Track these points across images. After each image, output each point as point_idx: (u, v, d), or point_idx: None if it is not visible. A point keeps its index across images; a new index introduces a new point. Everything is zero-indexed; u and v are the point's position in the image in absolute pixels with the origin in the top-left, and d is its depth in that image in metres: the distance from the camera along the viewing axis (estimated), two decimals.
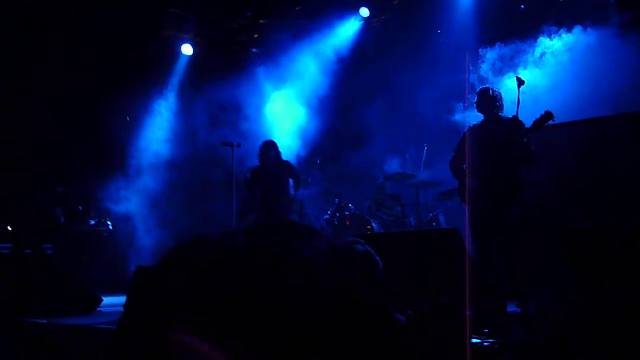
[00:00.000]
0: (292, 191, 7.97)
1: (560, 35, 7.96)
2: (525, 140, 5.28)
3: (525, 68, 7.87)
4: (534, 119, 5.15)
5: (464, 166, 5.79)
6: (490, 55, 8.16)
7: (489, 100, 5.70)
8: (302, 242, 0.79)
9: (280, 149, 8.44)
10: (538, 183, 6.56)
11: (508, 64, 8.12)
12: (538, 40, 8.03)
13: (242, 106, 10.73)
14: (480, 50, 8.22)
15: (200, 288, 0.75)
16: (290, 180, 7.99)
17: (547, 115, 5.09)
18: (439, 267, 4.29)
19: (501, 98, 5.75)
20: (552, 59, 7.97)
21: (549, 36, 8.00)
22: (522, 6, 9.12)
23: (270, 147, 7.93)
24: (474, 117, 6.62)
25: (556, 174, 6.97)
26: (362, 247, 3.15)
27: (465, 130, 6.00)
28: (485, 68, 8.13)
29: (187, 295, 0.76)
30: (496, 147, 5.43)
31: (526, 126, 5.32)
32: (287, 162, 8.11)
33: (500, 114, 5.72)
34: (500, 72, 8.08)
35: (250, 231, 0.82)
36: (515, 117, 5.47)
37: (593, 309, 3.47)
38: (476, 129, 5.83)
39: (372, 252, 3.16)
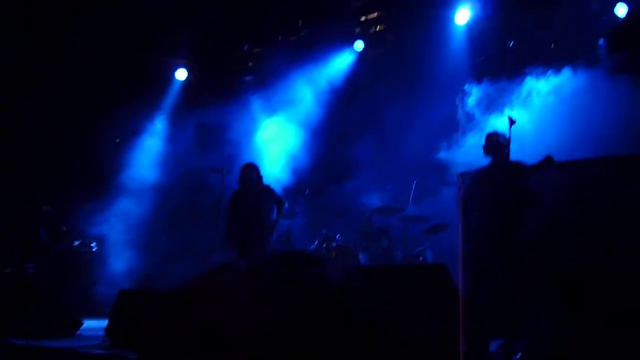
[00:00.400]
0: (273, 216, 7.67)
1: (547, 77, 8.07)
2: (528, 184, 5.42)
3: (511, 108, 7.97)
4: (533, 164, 5.19)
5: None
6: (477, 91, 8.27)
7: (498, 146, 5.79)
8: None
9: (270, 177, 8.37)
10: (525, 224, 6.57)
11: (495, 102, 8.24)
12: (525, 80, 8.14)
13: (233, 133, 10.74)
14: (466, 86, 8.33)
15: None
16: (274, 205, 7.68)
17: (548, 160, 5.14)
18: (425, 302, 4.27)
19: (507, 141, 5.77)
20: (537, 100, 8.06)
21: (536, 77, 8.11)
22: (511, 43, 9.26)
23: (251, 169, 7.60)
24: (461, 154, 6.77)
25: (543, 214, 7.00)
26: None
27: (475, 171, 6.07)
28: (471, 104, 8.23)
29: None
30: (500, 191, 5.58)
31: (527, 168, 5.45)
32: (268, 187, 7.74)
33: (507, 157, 5.77)
34: (487, 109, 8.19)
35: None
36: (519, 162, 5.62)
37: (584, 350, 3.47)
38: (481, 173, 5.93)
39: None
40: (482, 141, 5.87)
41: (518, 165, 5.63)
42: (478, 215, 5.64)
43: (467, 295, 3.91)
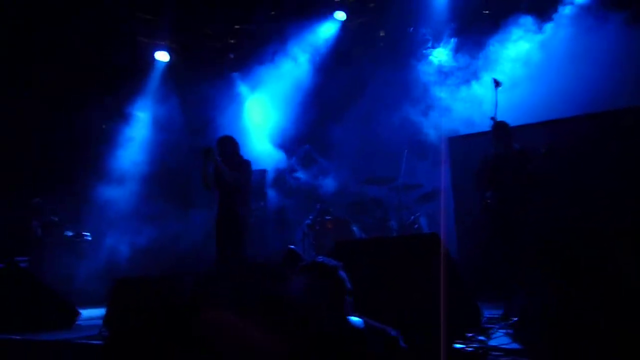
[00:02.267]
0: (247, 189, 7.23)
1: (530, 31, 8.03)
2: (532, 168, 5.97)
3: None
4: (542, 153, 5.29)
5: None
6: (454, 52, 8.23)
7: (507, 135, 6.25)
8: None
9: (259, 153, 8.22)
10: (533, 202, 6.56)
11: (476, 63, 8.21)
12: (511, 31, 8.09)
13: (219, 111, 10.66)
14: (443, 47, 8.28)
15: None
16: (247, 177, 7.24)
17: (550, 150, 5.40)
18: (421, 271, 4.26)
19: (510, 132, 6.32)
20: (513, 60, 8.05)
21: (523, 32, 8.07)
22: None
23: (225, 142, 7.24)
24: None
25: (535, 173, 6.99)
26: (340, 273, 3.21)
27: (483, 156, 6.55)
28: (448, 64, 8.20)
29: None
30: (511, 174, 6.15)
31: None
32: (246, 161, 7.31)
33: (513, 144, 6.33)
34: (468, 70, 8.18)
35: None
36: (523, 149, 6.19)
37: (574, 310, 3.47)
38: (493, 157, 6.37)
39: (339, 266, 3.23)
40: (465, 104, 6.09)
41: (524, 152, 6.17)
42: (492, 195, 6.13)
43: (461, 263, 3.93)
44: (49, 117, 10.23)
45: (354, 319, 3.02)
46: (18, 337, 5.68)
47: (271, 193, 10.29)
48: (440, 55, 8.83)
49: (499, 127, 6.29)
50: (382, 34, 10.18)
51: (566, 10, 8.21)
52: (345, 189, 9.82)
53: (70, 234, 9.57)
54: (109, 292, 6.06)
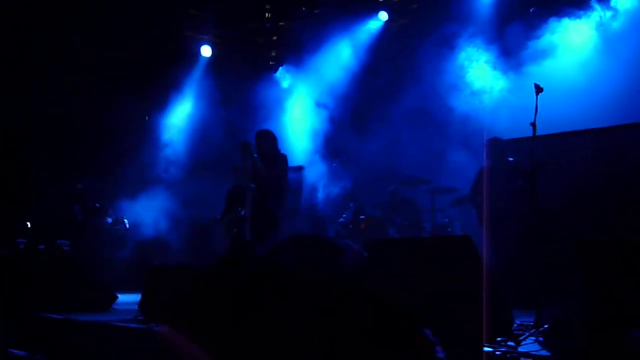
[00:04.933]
0: (281, 183, 7.20)
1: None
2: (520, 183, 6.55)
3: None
4: (530, 168, 5.25)
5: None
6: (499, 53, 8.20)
7: (498, 150, 7.18)
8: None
9: (298, 150, 8.21)
10: (553, 191, 6.56)
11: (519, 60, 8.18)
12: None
13: (260, 108, 10.76)
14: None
15: None
16: (283, 172, 7.20)
17: (539, 166, 5.32)
18: (452, 273, 4.27)
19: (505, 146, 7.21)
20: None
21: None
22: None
23: (262, 136, 7.21)
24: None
25: (571, 182, 6.96)
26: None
27: (478, 170, 7.40)
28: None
29: None
30: (502, 187, 6.92)
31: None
32: (283, 155, 7.26)
33: (507, 158, 7.13)
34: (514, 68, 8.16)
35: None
36: (514, 162, 7.00)
37: (606, 320, 3.45)
38: (486, 171, 7.18)
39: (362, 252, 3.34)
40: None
41: (516, 166, 6.90)
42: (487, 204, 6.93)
43: (492, 268, 3.94)
44: (94, 105, 10.50)
45: None
46: (59, 317, 5.88)
47: (306, 190, 10.35)
48: (483, 58, 8.75)
49: (492, 142, 7.17)
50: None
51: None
52: (380, 189, 9.84)
53: (110, 220, 9.83)
54: (145, 278, 6.22)
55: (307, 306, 2.54)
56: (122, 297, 7.37)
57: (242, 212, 7.61)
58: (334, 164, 10.09)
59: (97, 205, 9.45)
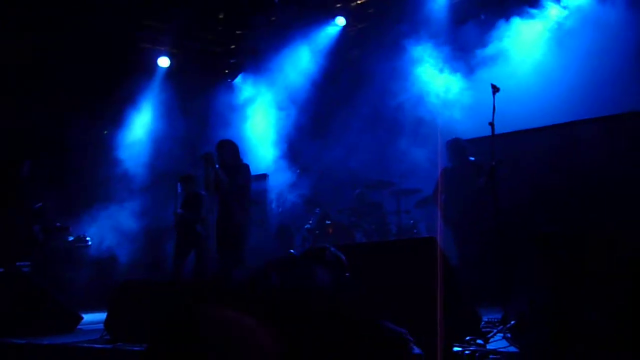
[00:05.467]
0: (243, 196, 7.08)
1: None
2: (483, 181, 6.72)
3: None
4: (490, 166, 5.35)
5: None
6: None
7: (460, 150, 7.32)
8: None
9: (261, 158, 8.16)
10: (514, 188, 6.70)
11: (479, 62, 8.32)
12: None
13: (219, 116, 10.70)
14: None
15: None
16: (247, 181, 7.14)
17: (498, 164, 5.38)
18: (417, 275, 4.30)
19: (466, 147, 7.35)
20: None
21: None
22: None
23: (224, 146, 7.16)
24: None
25: (530, 179, 7.12)
26: (331, 252, 3.44)
27: (441, 171, 7.51)
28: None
29: None
30: (465, 187, 7.13)
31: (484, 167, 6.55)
32: (245, 165, 7.19)
33: (468, 158, 7.30)
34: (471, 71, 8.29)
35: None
36: (475, 162, 7.20)
37: (572, 314, 3.51)
38: (448, 172, 7.39)
39: (340, 255, 3.37)
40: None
41: (478, 165, 7.08)
42: (450, 204, 7.17)
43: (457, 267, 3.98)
44: (50, 121, 10.29)
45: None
46: (21, 341, 5.72)
47: (270, 198, 10.33)
48: (438, 59, 8.88)
49: (453, 142, 7.34)
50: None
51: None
52: (344, 194, 9.87)
53: (72, 238, 9.63)
54: (110, 296, 6.10)
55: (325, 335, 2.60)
56: (88, 317, 7.22)
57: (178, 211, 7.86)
58: (297, 171, 10.09)
59: (58, 224, 9.25)
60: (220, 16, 10.18)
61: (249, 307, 2.57)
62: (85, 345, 5.43)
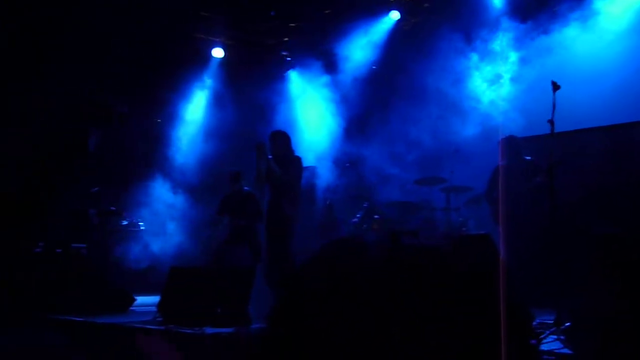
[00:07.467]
0: (294, 189, 7.05)
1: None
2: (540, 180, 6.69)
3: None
4: (549, 164, 5.27)
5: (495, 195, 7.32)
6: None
7: (514, 148, 7.20)
8: None
9: (310, 152, 8.11)
10: (567, 188, 6.56)
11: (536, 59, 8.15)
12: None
13: (272, 109, 10.78)
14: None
15: None
16: (297, 174, 7.08)
17: (558, 163, 5.37)
18: (472, 272, 4.26)
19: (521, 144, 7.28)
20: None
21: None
22: None
23: (276, 137, 7.12)
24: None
25: (588, 178, 6.96)
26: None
27: (493, 169, 7.49)
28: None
29: None
30: (519, 184, 6.97)
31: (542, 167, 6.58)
32: (297, 157, 7.14)
33: (523, 156, 7.20)
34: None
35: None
36: (532, 161, 7.10)
37: (630, 317, 3.43)
38: (502, 169, 7.23)
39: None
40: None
41: (534, 165, 7.01)
42: (503, 202, 6.98)
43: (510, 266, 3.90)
44: (107, 110, 10.56)
45: None
46: (79, 319, 5.93)
47: (319, 190, 10.35)
48: (494, 55, 8.74)
49: (507, 140, 7.18)
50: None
51: None
52: (394, 189, 9.81)
53: (125, 222, 9.89)
54: (165, 280, 6.25)
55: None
56: (140, 299, 7.42)
57: (242, 222, 7.76)
58: (347, 164, 10.09)
59: (113, 208, 9.51)
60: (273, 10, 10.21)
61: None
62: (138, 325, 5.60)
